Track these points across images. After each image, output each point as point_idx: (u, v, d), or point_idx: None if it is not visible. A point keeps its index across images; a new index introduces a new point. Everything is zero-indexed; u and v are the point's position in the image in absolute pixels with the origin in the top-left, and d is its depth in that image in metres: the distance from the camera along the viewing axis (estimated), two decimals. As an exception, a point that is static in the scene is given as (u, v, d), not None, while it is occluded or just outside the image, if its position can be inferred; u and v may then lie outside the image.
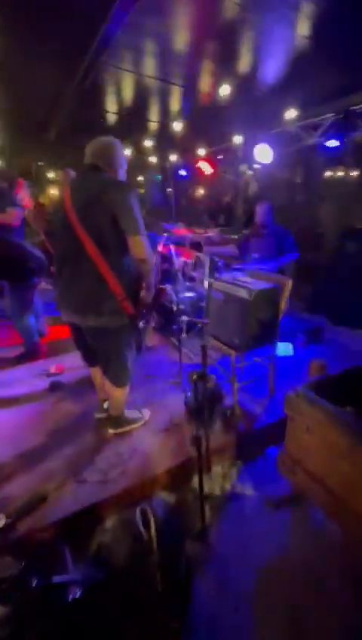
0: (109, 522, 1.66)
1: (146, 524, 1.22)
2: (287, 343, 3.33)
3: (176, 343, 2.92)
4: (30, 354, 3.16)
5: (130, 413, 2.19)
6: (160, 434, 2.14)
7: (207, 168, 3.34)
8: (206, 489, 1.85)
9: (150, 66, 3.00)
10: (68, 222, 1.63)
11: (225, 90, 2.99)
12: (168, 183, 6.62)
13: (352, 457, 1.17)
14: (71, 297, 1.75)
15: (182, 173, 5.15)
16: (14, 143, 5.15)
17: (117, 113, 3.98)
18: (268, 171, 6.97)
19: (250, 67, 2.61)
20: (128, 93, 3.45)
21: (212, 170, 4.74)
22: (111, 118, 4.10)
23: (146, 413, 2.29)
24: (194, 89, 3.09)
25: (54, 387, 2.64)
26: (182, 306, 3.38)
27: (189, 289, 3.59)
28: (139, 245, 1.62)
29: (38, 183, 7.15)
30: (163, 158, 5.45)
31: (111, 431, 2.13)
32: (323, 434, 1.34)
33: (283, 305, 2.23)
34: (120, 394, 2.02)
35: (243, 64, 2.61)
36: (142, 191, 8.64)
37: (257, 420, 2.27)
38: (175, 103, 3.67)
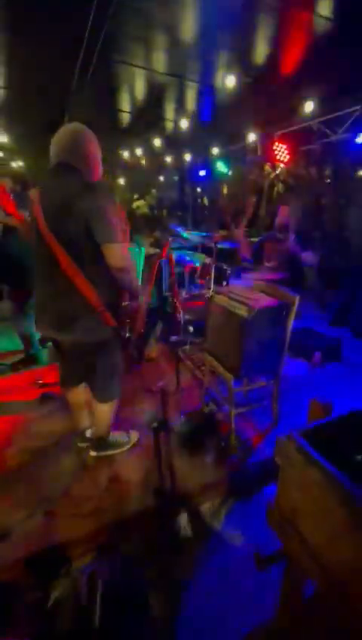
0: (76, 564, 1.50)
1: (91, 591, 1.03)
2: (301, 361, 3.04)
3: (177, 355, 2.72)
4: (29, 360, 3.09)
5: (116, 436, 2.02)
6: (145, 462, 1.95)
7: (283, 154, 2.86)
8: (189, 532, 1.65)
9: (161, 62, 2.81)
10: (39, 230, 1.47)
11: (238, 82, 2.74)
12: (185, 183, 6.44)
13: (353, 536, 0.90)
14: (49, 313, 1.60)
15: (202, 173, 4.90)
16: (27, 144, 5.18)
17: (130, 112, 3.83)
18: (294, 171, 6.59)
19: (266, 56, 2.34)
20: (140, 90, 3.29)
21: (288, 157, 3.77)
22: (125, 117, 3.96)
23: (134, 436, 2.10)
24: (209, 84, 2.85)
25: (44, 399, 2.53)
26: (187, 316, 3.19)
27: (196, 296, 3.38)
28: (115, 253, 1.44)
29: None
30: (178, 158, 5.26)
31: (93, 453, 1.97)
32: (316, 497, 1.08)
33: (290, 324, 1.96)
34: (105, 410, 1.85)
35: (259, 53, 2.35)
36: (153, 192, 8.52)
37: (257, 452, 2.02)
38: (189, 101, 3.46)
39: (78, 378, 1.87)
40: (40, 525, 1.57)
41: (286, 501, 1.29)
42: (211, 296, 2.18)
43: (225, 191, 9.34)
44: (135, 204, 8.49)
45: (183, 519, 1.62)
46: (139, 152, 5.47)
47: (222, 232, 9.61)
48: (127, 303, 1.70)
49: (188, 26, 2.26)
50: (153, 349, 3.32)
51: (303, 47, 2.19)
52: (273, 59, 2.40)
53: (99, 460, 1.95)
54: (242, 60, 2.46)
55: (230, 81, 2.68)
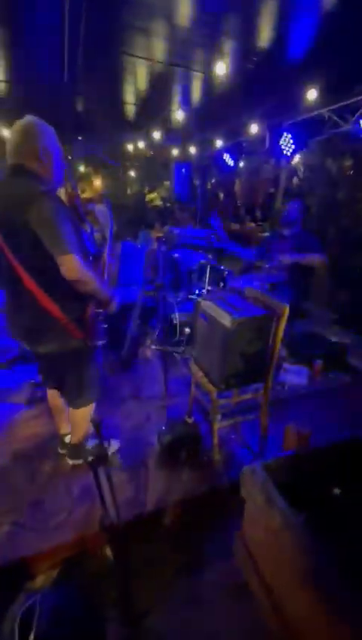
0: (39, 579, 1.47)
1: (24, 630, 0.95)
2: (303, 368, 2.87)
3: (165, 361, 2.61)
4: (23, 357, 3.08)
5: (93, 444, 1.96)
6: (122, 474, 1.88)
7: (288, 144, 2.67)
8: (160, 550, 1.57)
9: (159, 50, 2.63)
10: None
11: (240, 69, 2.53)
12: (194, 176, 6.25)
13: (309, 591, 0.80)
14: (15, 325, 1.56)
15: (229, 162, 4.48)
16: None
17: (134, 104, 3.69)
18: (311, 163, 6.23)
19: (268, 40, 2.13)
20: (136, 80, 3.13)
21: (293, 147, 3.55)
22: (129, 109, 3.81)
23: (115, 445, 2.04)
24: (208, 72, 2.66)
25: (32, 401, 2.50)
26: (183, 318, 3.07)
27: (190, 299, 3.24)
28: (68, 266, 1.32)
29: (72, 176, 7.21)
30: (184, 151, 5.08)
31: (69, 462, 1.92)
32: (275, 542, 0.97)
33: (280, 335, 1.81)
34: (79, 416, 1.79)
35: (261, 36, 2.14)
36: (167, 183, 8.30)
37: (239, 469, 1.90)
38: (190, 91, 3.27)
39: (52, 383, 1.83)
40: (6, 536, 1.54)
41: (250, 538, 1.19)
42: (198, 301, 2.05)
43: (238, 183, 9.01)
44: (148, 197, 8.36)
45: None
46: (143, 144, 5.32)
47: (234, 226, 9.36)
48: (98, 310, 1.61)
49: (186, 11, 2.07)
50: (148, 350, 3.24)
51: (310, 30, 1.97)
52: (276, 43, 2.18)
53: (75, 468, 1.90)
54: (243, 44, 2.26)
55: (230, 68, 2.48)
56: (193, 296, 3.02)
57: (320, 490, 1.24)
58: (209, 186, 8.25)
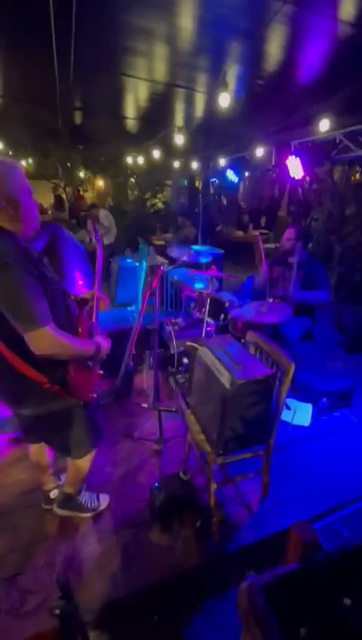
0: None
1: None
2: (307, 406, 2.70)
3: (144, 406, 2.43)
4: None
5: (85, 497, 1.82)
6: (110, 537, 1.73)
7: (296, 169, 2.52)
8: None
9: (161, 71, 2.46)
10: None
11: (249, 90, 2.37)
12: (195, 189, 6.08)
13: None
14: None
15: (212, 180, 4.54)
16: (38, 144, 5.03)
17: (135, 119, 3.52)
18: (318, 173, 6.02)
19: (279, 61, 1.96)
20: (142, 99, 2.96)
21: (303, 173, 3.47)
22: (130, 123, 3.64)
23: (104, 501, 1.88)
24: (216, 92, 2.48)
25: (15, 440, 2.35)
26: (181, 348, 2.91)
27: (193, 325, 3.07)
28: (37, 341, 1.18)
29: (72, 181, 7.06)
30: (187, 165, 4.90)
31: (57, 510, 1.78)
32: None
33: (284, 394, 1.65)
34: (79, 465, 1.66)
35: (272, 58, 1.97)
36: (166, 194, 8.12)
37: (239, 534, 1.75)
38: (196, 109, 3.09)
39: (34, 438, 1.68)
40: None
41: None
42: (196, 348, 1.89)
43: (241, 188, 8.77)
44: (149, 203, 8.17)
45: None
46: (143, 158, 5.16)
47: (239, 233, 9.14)
48: (88, 364, 1.46)
49: (190, 34, 1.90)
50: (144, 379, 3.09)
51: (320, 53, 1.80)
52: (287, 65, 2.01)
53: (60, 528, 1.75)
54: (253, 66, 2.08)
55: (239, 89, 2.31)
56: (192, 330, 2.85)
57: (329, 601, 1.08)
58: (211, 190, 8.06)
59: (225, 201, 9.79)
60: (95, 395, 1.51)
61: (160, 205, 8.70)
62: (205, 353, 1.80)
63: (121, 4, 1.56)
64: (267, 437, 1.71)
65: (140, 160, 5.24)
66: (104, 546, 1.69)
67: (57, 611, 0.96)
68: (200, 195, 6.14)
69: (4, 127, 4.06)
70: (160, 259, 4.67)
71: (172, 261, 3.89)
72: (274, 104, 2.48)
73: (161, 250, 5.34)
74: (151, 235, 7.32)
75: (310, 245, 5.43)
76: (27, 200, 1.24)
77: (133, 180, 7.77)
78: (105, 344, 1.48)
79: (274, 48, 1.87)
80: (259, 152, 3.23)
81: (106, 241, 5.42)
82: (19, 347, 1.21)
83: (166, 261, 4.25)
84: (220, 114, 2.59)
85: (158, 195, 8.01)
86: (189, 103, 2.92)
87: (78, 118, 3.30)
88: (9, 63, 2.37)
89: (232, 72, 2.13)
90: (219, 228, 8.12)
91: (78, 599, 1.31)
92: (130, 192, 8.08)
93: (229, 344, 1.83)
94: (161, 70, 2.35)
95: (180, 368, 2.91)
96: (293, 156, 2.61)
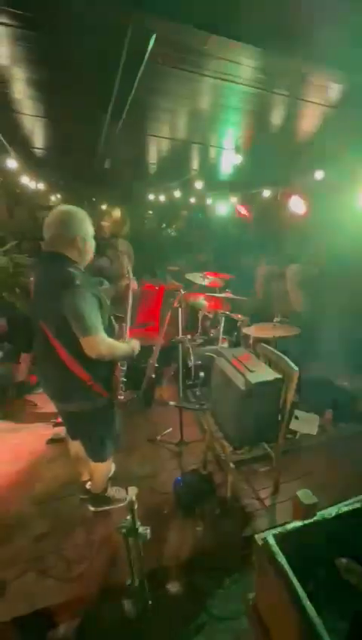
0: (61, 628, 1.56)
1: None
2: (314, 417, 2.94)
3: (192, 400, 2.73)
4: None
5: (113, 491, 2.08)
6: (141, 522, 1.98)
7: (299, 207, 3.09)
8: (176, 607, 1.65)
9: (182, 131, 2.98)
10: (34, 308, 1.62)
11: (256, 146, 2.86)
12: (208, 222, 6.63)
13: None
14: (47, 387, 1.76)
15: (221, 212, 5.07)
16: (68, 183, 5.68)
17: (154, 164, 4.09)
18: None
19: (284, 122, 2.43)
20: (155, 152, 3.55)
21: (246, 214, 4.52)
22: (151, 167, 4.21)
23: (132, 492, 2.14)
24: (227, 147, 3.00)
25: (53, 441, 2.66)
26: (198, 362, 3.22)
27: (208, 342, 3.41)
28: (91, 346, 1.51)
29: (95, 213, 7.74)
30: (202, 200, 5.49)
31: (91, 508, 2.04)
32: (284, 612, 1.06)
33: (291, 397, 1.94)
34: (99, 469, 1.94)
35: (277, 121, 2.44)
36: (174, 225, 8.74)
37: (252, 524, 1.98)
38: (209, 160, 3.64)
39: (73, 435, 1.98)
40: (31, 585, 1.65)
41: (261, 604, 1.27)
42: (214, 357, 2.21)
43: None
44: (164, 232, 8.77)
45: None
46: (165, 196, 5.80)
47: (247, 262, 9.53)
48: (123, 368, 1.78)
49: (209, 108, 2.39)
50: (164, 391, 3.38)
51: (320, 118, 2.25)
52: (292, 125, 2.48)
53: (96, 515, 2.01)
54: (261, 125, 2.56)
55: (247, 145, 2.81)
56: (209, 346, 3.17)
57: (328, 559, 1.32)
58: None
59: (232, 231, 10.35)
60: (123, 397, 1.83)
61: (173, 234, 9.30)
62: (222, 362, 2.12)
63: (154, 93, 2.07)
64: (276, 435, 1.98)
65: (162, 197, 5.86)
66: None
67: (123, 530, 1.22)
68: (213, 228, 6.68)
69: (43, 171, 4.70)
70: (176, 283, 5.09)
71: (187, 285, 4.28)
72: (277, 157, 2.96)
73: (174, 275, 5.83)
74: (166, 262, 7.82)
75: (317, 269, 5.79)
76: (91, 237, 1.66)
77: (150, 212, 8.48)
78: (136, 345, 1.80)
79: (277, 120, 2.36)
80: (266, 192, 3.71)
81: (122, 270, 5.90)
82: (75, 349, 1.55)
83: (182, 285, 4.66)
84: (233, 165, 3.11)
85: (173, 226, 8.62)
86: (206, 155, 3.46)
87: (107, 164, 3.86)
88: (63, 123, 2.90)
89: (242, 139, 2.63)
90: (229, 257, 8.60)
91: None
92: (146, 222, 8.77)
93: (243, 354, 2.15)
94: (182, 131, 2.87)
95: (196, 381, 3.21)
96: (296, 196, 3.03)
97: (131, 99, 1.98)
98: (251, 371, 1.91)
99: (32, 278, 1.64)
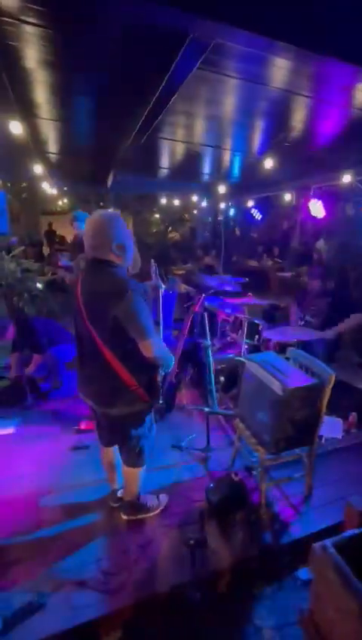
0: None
1: None
2: (338, 420, 2.92)
3: (206, 410, 2.71)
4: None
5: (145, 499, 2.05)
6: (173, 531, 1.95)
7: (318, 210, 2.96)
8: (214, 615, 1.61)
9: (197, 134, 2.99)
10: (80, 314, 1.60)
11: (274, 151, 2.87)
12: (219, 224, 6.66)
13: None
14: (87, 388, 1.76)
15: (232, 216, 5.13)
16: (77, 189, 5.68)
17: (169, 168, 4.09)
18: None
19: (303, 125, 2.44)
20: (179, 154, 3.53)
21: (324, 213, 4.12)
22: (164, 171, 4.22)
23: (164, 500, 2.12)
24: (245, 151, 3.01)
25: (76, 449, 2.62)
26: (219, 366, 3.20)
27: (227, 346, 3.39)
28: (149, 348, 1.54)
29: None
30: (214, 202, 5.50)
31: (124, 517, 2.01)
32: (355, 623, 1.04)
33: (326, 401, 1.92)
34: (134, 475, 1.92)
35: (296, 128, 2.45)
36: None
37: (287, 531, 1.96)
38: (224, 162, 3.64)
39: (108, 441, 1.97)
40: (70, 598, 1.61)
41: (323, 620, 1.24)
42: (243, 362, 2.20)
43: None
44: (169, 235, 8.82)
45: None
46: (170, 200, 5.85)
47: (253, 263, 9.61)
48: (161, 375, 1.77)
49: (229, 114, 2.40)
50: (183, 395, 3.36)
51: (339, 121, 2.26)
52: (311, 128, 2.49)
53: (129, 523, 1.98)
54: (279, 128, 2.57)
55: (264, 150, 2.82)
56: (228, 350, 3.16)
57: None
58: (231, 223, 8.58)
59: (238, 232, 10.40)
60: (161, 402, 1.82)
61: (177, 238, 9.34)
62: (253, 367, 2.11)
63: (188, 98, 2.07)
64: (312, 440, 1.96)
65: (169, 201, 5.90)
66: (170, 539, 1.90)
67: (192, 542, 1.19)
68: (222, 230, 6.71)
69: (55, 175, 4.70)
70: (185, 287, 5.08)
71: (199, 289, 4.27)
72: (297, 160, 2.97)
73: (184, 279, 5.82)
74: (172, 266, 7.82)
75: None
76: (130, 244, 1.64)
77: (157, 215, 8.51)
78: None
79: (298, 123, 2.36)
80: (287, 196, 3.72)
81: (132, 271, 5.91)
82: (122, 354, 1.56)
83: (193, 289, 4.64)
84: (251, 169, 3.11)
85: (177, 230, 8.67)
86: (224, 159, 3.47)
87: (120, 170, 3.88)
88: (91, 132, 2.92)
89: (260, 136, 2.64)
90: (234, 258, 8.63)
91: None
92: (153, 227, 8.80)
93: (274, 358, 2.13)
94: (199, 135, 2.89)
95: (217, 385, 3.19)
96: (315, 199, 3.04)
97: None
98: (286, 375, 1.90)
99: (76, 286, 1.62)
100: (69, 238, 10.22)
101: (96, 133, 2.96)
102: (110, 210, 1.62)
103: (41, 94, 2.20)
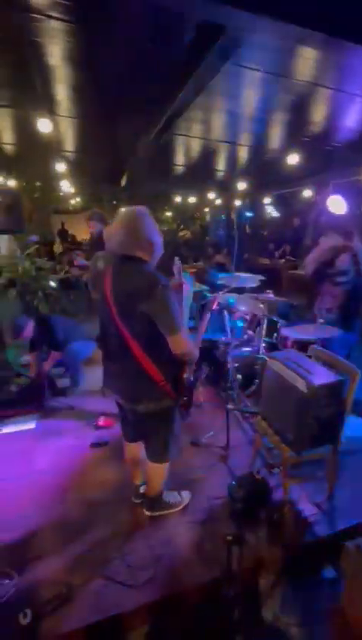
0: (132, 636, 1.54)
1: None
2: (358, 418, 2.88)
3: (226, 406, 2.71)
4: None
5: (168, 496, 2.06)
6: (197, 527, 1.96)
7: (339, 206, 2.90)
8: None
9: (218, 130, 2.97)
10: (108, 310, 1.60)
11: (295, 148, 2.83)
12: (232, 222, 6.63)
13: None
14: (114, 384, 1.79)
15: (248, 214, 5.09)
16: (91, 188, 5.71)
17: (185, 165, 4.07)
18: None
19: (323, 126, 2.40)
20: (195, 152, 3.50)
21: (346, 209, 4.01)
22: (179, 169, 4.21)
23: (186, 496, 2.13)
24: (260, 148, 2.98)
25: (96, 445, 2.65)
26: (236, 364, 3.19)
27: (244, 344, 3.37)
28: (178, 343, 1.56)
29: (112, 218, 7.77)
30: (227, 200, 5.46)
31: (147, 513, 2.02)
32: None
33: (351, 398, 1.90)
34: (159, 471, 1.93)
35: (316, 125, 2.42)
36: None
37: (311, 530, 1.94)
38: (240, 158, 3.61)
39: (134, 436, 1.98)
40: (97, 591, 1.63)
41: (356, 617, 1.24)
42: (266, 360, 2.19)
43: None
44: (180, 233, 8.81)
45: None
46: (193, 199, 5.85)
47: (265, 260, 9.53)
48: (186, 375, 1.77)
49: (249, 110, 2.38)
50: (199, 393, 3.36)
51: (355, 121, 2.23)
52: (331, 124, 2.45)
53: (152, 519, 1.99)
54: (298, 125, 2.54)
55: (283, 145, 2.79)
56: (245, 348, 3.14)
57: None
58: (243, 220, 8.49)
59: (248, 230, 10.32)
60: (186, 399, 1.82)
61: (188, 236, 9.31)
62: (275, 365, 2.09)
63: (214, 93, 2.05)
64: (336, 438, 1.94)
65: (189, 200, 5.89)
66: (194, 536, 1.91)
67: (230, 537, 1.20)
68: (235, 227, 6.67)
69: (71, 175, 4.73)
70: (198, 285, 5.06)
71: (212, 287, 4.25)
72: (316, 155, 2.92)
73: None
74: (183, 264, 7.79)
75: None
76: (158, 240, 1.64)
77: (168, 214, 8.51)
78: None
79: (320, 116, 2.32)
80: (306, 192, 3.67)
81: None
82: (151, 350, 1.57)
83: (206, 287, 4.63)
84: (268, 165, 3.08)
85: (188, 228, 8.65)
86: (240, 156, 3.44)
87: (135, 167, 3.88)
88: (105, 125, 2.92)
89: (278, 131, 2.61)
90: (246, 256, 8.56)
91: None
92: (165, 224, 8.80)
93: (296, 356, 2.11)
94: (216, 131, 2.86)
95: (233, 384, 3.17)
96: (335, 195, 2.99)
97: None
98: (310, 373, 1.88)
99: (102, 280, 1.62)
100: (81, 237, 10.34)
101: (116, 132, 2.96)
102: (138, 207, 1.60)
103: (63, 91, 2.21)
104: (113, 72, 1.88)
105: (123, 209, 1.64)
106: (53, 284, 6.17)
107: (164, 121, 2.23)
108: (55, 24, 1.53)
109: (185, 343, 1.56)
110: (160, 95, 1.87)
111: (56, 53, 1.78)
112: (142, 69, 1.74)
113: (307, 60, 1.61)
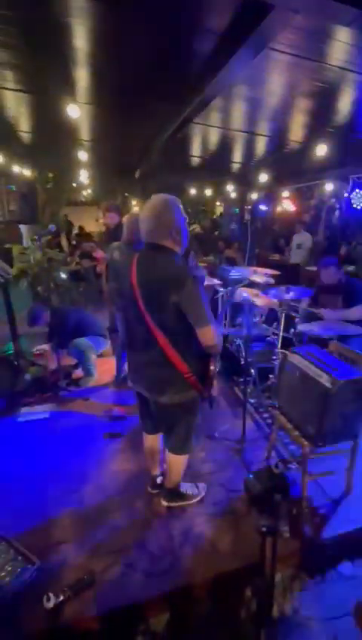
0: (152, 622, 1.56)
1: None
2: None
3: (241, 398, 2.70)
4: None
5: (186, 487, 2.07)
6: (215, 520, 1.96)
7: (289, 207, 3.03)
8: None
9: (238, 121, 2.92)
10: (134, 300, 1.58)
11: (315, 140, 2.77)
12: (246, 215, 6.55)
13: None
14: (140, 376, 1.78)
15: (263, 208, 5.01)
16: (105, 179, 5.68)
17: (201, 157, 4.02)
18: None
19: (345, 118, 2.34)
20: (214, 142, 3.45)
21: (294, 208, 4.43)
22: (196, 160, 4.15)
23: (203, 488, 2.13)
24: (282, 139, 2.92)
25: (110, 435, 2.66)
26: (249, 358, 3.17)
27: (259, 338, 3.35)
28: (208, 335, 1.53)
29: (125, 209, 7.76)
30: (243, 194, 5.39)
31: (164, 503, 2.03)
32: None
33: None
34: (179, 462, 1.93)
35: (338, 116, 2.36)
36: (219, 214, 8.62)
37: (329, 525, 1.94)
38: (259, 150, 3.55)
39: (154, 428, 1.98)
40: (119, 578, 1.65)
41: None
42: (286, 355, 2.17)
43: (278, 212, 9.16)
44: (190, 227, 8.77)
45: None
46: (212, 190, 5.78)
47: (275, 256, 9.44)
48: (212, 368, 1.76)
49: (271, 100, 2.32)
50: (214, 387, 3.35)
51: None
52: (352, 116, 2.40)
53: (170, 510, 2.00)
54: (324, 114, 2.48)
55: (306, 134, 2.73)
56: (262, 343, 3.12)
57: None
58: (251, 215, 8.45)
59: (259, 225, 10.22)
60: (211, 391, 1.81)
61: (198, 230, 9.25)
62: (297, 359, 2.07)
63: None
64: (357, 433, 1.92)
65: (203, 192, 5.83)
66: (212, 527, 1.91)
67: (264, 528, 1.19)
68: (248, 222, 6.61)
69: (85, 166, 4.69)
70: (213, 280, 5.04)
71: (224, 282, 4.22)
72: (339, 147, 2.86)
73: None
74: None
75: (353, 267, 5.67)
76: (185, 229, 1.62)
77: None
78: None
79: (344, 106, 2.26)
80: (328, 185, 3.61)
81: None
82: (177, 341, 1.56)
83: (219, 282, 4.60)
84: (289, 155, 3.03)
85: (198, 222, 8.57)
86: (258, 147, 3.38)
87: (152, 158, 3.82)
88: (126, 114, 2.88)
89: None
90: (257, 251, 8.50)
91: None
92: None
93: (317, 351, 2.09)
94: (236, 120, 2.81)
95: (248, 378, 3.16)
96: (358, 189, 2.93)
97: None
98: (334, 369, 1.86)
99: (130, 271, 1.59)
100: (89, 229, 10.31)
101: (143, 120, 2.91)
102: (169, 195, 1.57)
103: (86, 77, 2.17)
104: (139, 58, 1.84)
105: (154, 195, 1.61)
106: (63, 275, 6.17)
107: (188, 111, 2.19)
108: (85, 3, 1.48)
109: (214, 335, 1.54)
110: (188, 85, 1.83)
111: (84, 35, 1.73)
112: (173, 57, 1.70)
113: (341, 44, 1.55)
